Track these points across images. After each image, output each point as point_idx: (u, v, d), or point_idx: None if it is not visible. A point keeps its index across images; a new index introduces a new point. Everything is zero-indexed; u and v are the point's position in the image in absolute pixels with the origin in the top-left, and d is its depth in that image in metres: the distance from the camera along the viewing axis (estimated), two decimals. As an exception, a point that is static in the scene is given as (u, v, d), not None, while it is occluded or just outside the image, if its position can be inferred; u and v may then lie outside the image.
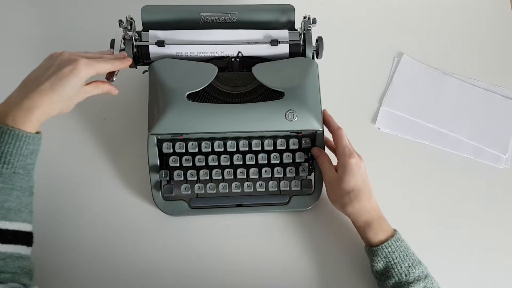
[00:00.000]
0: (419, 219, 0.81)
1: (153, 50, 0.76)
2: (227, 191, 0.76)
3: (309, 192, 0.78)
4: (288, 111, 0.73)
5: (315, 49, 0.78)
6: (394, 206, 0.80)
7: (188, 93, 0.73)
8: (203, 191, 0.76)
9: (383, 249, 0.68)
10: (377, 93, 0.90)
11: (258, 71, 0.75)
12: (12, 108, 0.60)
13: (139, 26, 0.78)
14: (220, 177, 0.76)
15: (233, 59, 0.78)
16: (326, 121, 0.76)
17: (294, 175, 0.77)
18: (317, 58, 0.79)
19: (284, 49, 0.78)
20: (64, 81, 0.62)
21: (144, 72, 0.79)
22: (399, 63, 0.92)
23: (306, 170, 0.77)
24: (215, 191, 0.76)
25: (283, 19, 0.80)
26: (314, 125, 0.75)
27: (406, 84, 0.90)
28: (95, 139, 0.83)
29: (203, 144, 0.75)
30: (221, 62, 0.78)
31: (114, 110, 0.85)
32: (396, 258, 0.67)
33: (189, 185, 0.76)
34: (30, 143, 0.62)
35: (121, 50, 0.75)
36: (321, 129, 0.76)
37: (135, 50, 0.76)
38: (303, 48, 0.78)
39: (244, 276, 0.76)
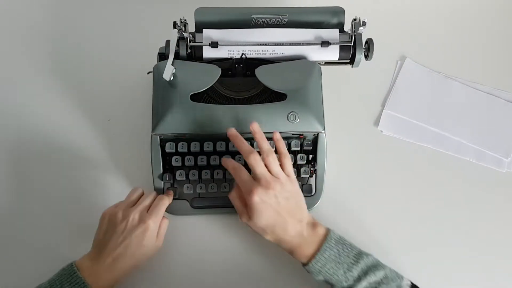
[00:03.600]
0: (421, 222, 0.81)
1: (207, 52, 0.78)
2: (228, 191, 0.76)
3: (310, 194, 0.78)
4: (290, 112, 0.74)
5: (365, 50, 0.79)
6: (395, 209, 0.81)
7: (191, 93, 0.74)
8: (204, 191, 0.77)
9: (313, 265, 0.66)
10: (380, 96, 0.90)
11: (261, 73, 0.76)
12: (93, 268, 0.64)
13: (191, 29, 0.80)
14: (222, 177, 0.77)
15: (236, 65, 0.79)
16: (234, 141, 0.70)
17: (295, 176, 0.77)
18: (366, 59, 0.80)
19: (334, 50, 0.79)
20: (140, 243, 0.66)
21: (148, 73, 0.80)
22: (402, 67, 0.92)
23: (308, 172, 0.78)
24: (216, 191, 0.76)
25: (333, 21, 0.81)
26: (316, 127, 0.76)
27: (409, 87, 0.90)
28: (100, 140, 0.85)
29: (205, 144, 0.76)
30: (224, 64, 0.79)
31: (119, 111, 0.86)
32: (329, 269, 0.66)
33: (191, 185, 0.76)
34: None
35: (175, 52, 0.75)
36: (323, 131, 0.76)
37: (189, 51, 0.77)
38: (354, 50, 0.79)
39: (245, 276, 0.76)
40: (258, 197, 0.64)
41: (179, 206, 0.77)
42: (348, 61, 0.81)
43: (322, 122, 0.76)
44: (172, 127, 0.74)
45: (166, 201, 0.71)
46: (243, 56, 0.78)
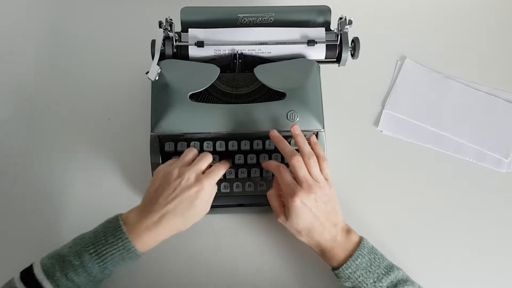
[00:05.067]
0: (420, 221, 0.81)
1: (193, 51, 0.78)
2: (228, 190, 0.76)
3: None
4: (290, 111, 0.74)
5: (351, 49, 0.79)
6: (395, 209, 0.80)
7: (190, 93, 0.74)
8: None
9: (344, 271, 0.66)
10: (380, 96, 0.90)
11: (260, 72, 0.76)
12: (137, 225, 0.63)
13: (177, 29, 0.79)
14: (222, 177, 0.76)
15: (235, 61, 0.79)
16: (277, 143, 0.71)
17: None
18: (352, 58, 0.80)
19: (320, 49, 0.79)
20: (193, 203, 0.64)
21: (147, 73, 0.80)
22: (402, 67, 0.92)
23: (307, 171, 0.77)
24: (217, 191, 0.75)
25: (319, 20, 0.81)
26: (315, 125, 0.75)
27: (409, 87, 0.91)
28: (100, 139, 0.85)
29: (205, 144, 0.76)
30: (223, 62, 0.79)
31: (118, 110, 0.86)
32: (359, 277, 0.65)
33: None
34: (132, 261, 0.64)
35: (161, 51, 0.75)
36: (323, 129, 0.76)
37: (174, 50, 0.77)
38: (340, 49, 0.79)
39: (245, 276, 0.75)
40: (300, 201, 0.65)
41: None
42: (335, 60, 0.81)
43: (321, 121, 0.76)
44: (171, 127, 0.73)
45: (223, 169, 0.70)
46: (241, 53, 0.78)
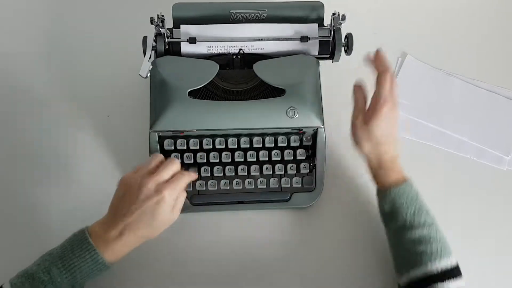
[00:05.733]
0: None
1: (185, 47, 0.77)
2: (228, 188, 0.76)
3: (311, 189, 0.77)
4: (289, 108, 0.74)
5: (345, 45, 0.79)
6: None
7: (189, 90, 0.73)
8: (204, 188, 0.76)
9: (391, 191, 0.68)
10: (380, 93, 0.89)
11: (259, 68, 0.76)
12: (103, 237, 0.62)
13: (169, 25, 0.79)
14: (221, 174, 0.76)
15: (234, 56, 0.79)
16: (376, 58, 0.69)
17: (295, 172, 0.77)
18: (346, 54, 0.79)
19: (314, 45, 0.78)
20: (154, 214, 0.62)
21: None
22: (403, 64, 0.92)
23: (307, 167, 0.77)
24: (216, 188, 0.76)
25: (312, 16, 0.80)
26: (315, 122, 0.75)
27: (410, 84, 0.90)
28: (99, 136, 0.84)
29: (204, 141, 0.75)
30: (222, 59, 0.78)
31: (118, 107, 0.86)
32: (403, 203, 0.67)
33: (191, 182, 0.75)
34: (101, 273, 0.63)
35: (153, 48, 0.75)
36: (322, 126, 0.76)
37: (166, 47, 0.77)
38: (333, 45, 0.78)
39: (245, 273, 0.75)
40: (388, 109, 0.67)
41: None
42: (328, 56, 0.80)
43: (321, 118, 0.76)
44: (170, 124, 0.73)
45: (187, 178, 0.66)
46: (241, 51, 0.78)
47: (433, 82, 0.91)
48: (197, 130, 0.74)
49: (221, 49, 0.78)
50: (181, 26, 0.77)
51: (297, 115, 0.74)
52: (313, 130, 0.76)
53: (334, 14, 0.78)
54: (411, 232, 0.66)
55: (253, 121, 0.74)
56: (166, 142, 0.76)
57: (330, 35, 0.78)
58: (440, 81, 0.91)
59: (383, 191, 0.69)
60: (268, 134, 0.76)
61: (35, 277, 0.60)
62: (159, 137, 0.75)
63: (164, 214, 0.62)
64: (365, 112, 0.69)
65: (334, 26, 0.78)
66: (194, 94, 0.74)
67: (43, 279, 0.60)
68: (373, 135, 0.68)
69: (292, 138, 0.77)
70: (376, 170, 0.70)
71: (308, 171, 0.77)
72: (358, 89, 0.71)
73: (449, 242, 0.66)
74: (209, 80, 0.75)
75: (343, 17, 0.77)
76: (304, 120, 0.74)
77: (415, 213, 0.66)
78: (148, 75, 0.72)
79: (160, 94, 0.74)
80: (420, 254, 0.64)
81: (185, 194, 0.66)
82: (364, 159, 0.71)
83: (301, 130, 0.76)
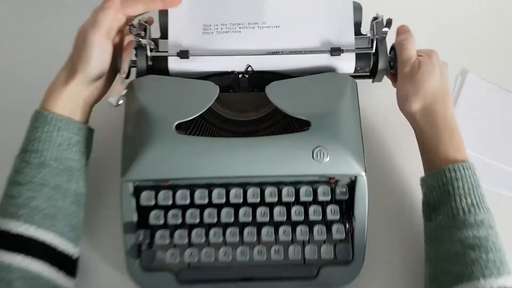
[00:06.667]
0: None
1: (174, 64, 0.61)
2: (229, 259, 0.57)
3: (347, 262, 0.57)
4: (317, 148, 0.55)
5: (390, 60, 0.63)
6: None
7: (178, 122, 0.56)
8: (196, 259, 0.57)
9: (445, 171, 0.54)
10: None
11: (273, 91, 0.59)
12: (47, 92, 0.57)
13: (155, 33, 0.64)
14: (221, 240, 0.57)
15: (240, 75, 0.62)
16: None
17: (324, 237, 0.57)
18: (391, 71, 0.64)
19: (348, 60, 0.62)
20: (81, 42, 0.56)
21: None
22: (464, 83, 0.73)
23: (342, 231, 0.57)
24: (213, 260, 0.57)
25: None
26: (353, 167, 0.56)
27: (475, 109, 0.71)
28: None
29: (197, 193, 0.57)
30: (224, 79, 0.62)
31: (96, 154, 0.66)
32: (459, 187, 0.53)
33: (177, 251, 0.57)
34: (63, 128, 0.55)
35: (132, 64, 0.61)
36: (363, 173, 0.56)
37: (149, 63, 0.62)
38: (376, 59, 0.63)
39: None
40: (436, 59, 0.60)
41: (160, 281, 0.57)
42: (368, 73, 0.65)
43: (361, 161, 0.57)
44: (151, 170, 0.55)
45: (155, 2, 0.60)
46: (249, 68, 0.62)
47: (504, 106, 0.71)
48: (187, 178, 0.56)
49: (223, 66, 0.62)
50: (170, 34, 0.63)
51: (328, 158, 0.55)
52: (350, 178, 0.57)
53: (375, 18, 0.63)
54: (463, 231, 0.51)
55: (265, 166, 0.55)
56: (144, 195, 0.57)
57: (372, 47, 0.62)
58: (510, 105, 0.71)
59: (433, 172, 0.55)
60: (286, 184, 0.58)
61: (10, 190, 0.53)
62: (135, 188, 0.57)
63: (90, 43, 0.56)
64: (411, 63, 0.60)
65: (376, 34, 0.62)
66: (184, 127, 0.58)
67: (20, 181, 0.53)
68: (423, 90, 0.58)
69: (321, 189, 0.57)
70: (428, 140, 0.58)
71: (342, 236, 0.57)
72: (403, 30, 0.62)
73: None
74: (206, 108, 0.58)
75: (389, 23, 0.61)
76: (338, 164, 0.55)
77: (473, 206, 0.52)
78: (120, 102, 0.57)
79: (137, 128, 0.57)
80: (471, 263, 0.49)
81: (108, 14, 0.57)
82: (414, 128, 0.60)
83: (333, 178, 0.57)
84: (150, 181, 0.56)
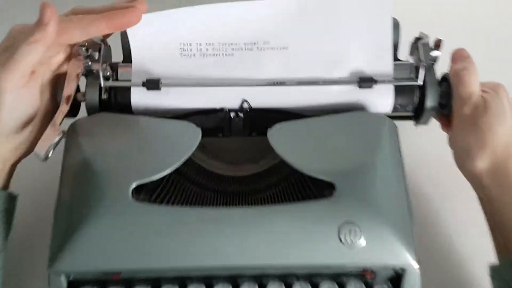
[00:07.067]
0: None
1: (138, 97, 0.48)
2: None
3: None
4: (344, 224, 0.39)
5: (442, 94, 0.50)
6: None
7: (136, 184, 0.40)
8: None
9: None
10: None
11: (279, 137, 0.45)
12: None
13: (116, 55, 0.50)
14: None
15: (232, 114, 0.49)
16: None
17: None
18: (443, 110, 0.50)
19: (384, 94, 0.48)
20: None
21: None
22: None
23: None
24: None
25: None
26: (400, 255, 0.39)
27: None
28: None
29: (166, 291, 0.40)
30: (210, 118, 0.49)
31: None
32: None
33: None
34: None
35: (77, 96, 0.48)
36: (416, 265, 0.39)
37: (104, 96, 0.48)
38: (422, 94, 0.49)
39: None
40: (508, 97, 0.48)
41: None
42: (412, 113, 0.51)
43: (411, 244, 0.39)
44: (92, 257, 0.38)
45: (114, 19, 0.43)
46: (245, 103, 0.48)
47: None
48: (148, 270, 0.39)
49: (208, 101, 0.49)
50: (134, 57, 0.48)
51: (361, 239, 0.38)
52: (394, 270, 0.40)
53: (419, 38, 0.49)
54: None
55: (267, 252, 0.39)
56: (83, 293, 0.40)
57: (416, 77, 0.48)
58: None
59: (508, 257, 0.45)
60: (298, 278, 0.41)
61: None
62: (70, 283, 0.40)
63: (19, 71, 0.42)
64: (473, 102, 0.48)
65: (422, 60, 0.48)
66: (147, 191, 0.42)
67: None
68: (498, 134, 0.46)
69: (353, 285, 0.41)
70: (501, 212, 0.46)
71: None
72: (461, 55, 0.49)
73: None
74: (182, 161, 0.42)
75: (437, 45, 0.47)
76: (376, 249, 0.39)
77: None
78: (50, 154, 0.42)
79: (76, 193, 0.41)
80: None
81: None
82: (478, 194, 0.47)
83: (369, 270, 0.40)
84: (92, 274, 0.39)
